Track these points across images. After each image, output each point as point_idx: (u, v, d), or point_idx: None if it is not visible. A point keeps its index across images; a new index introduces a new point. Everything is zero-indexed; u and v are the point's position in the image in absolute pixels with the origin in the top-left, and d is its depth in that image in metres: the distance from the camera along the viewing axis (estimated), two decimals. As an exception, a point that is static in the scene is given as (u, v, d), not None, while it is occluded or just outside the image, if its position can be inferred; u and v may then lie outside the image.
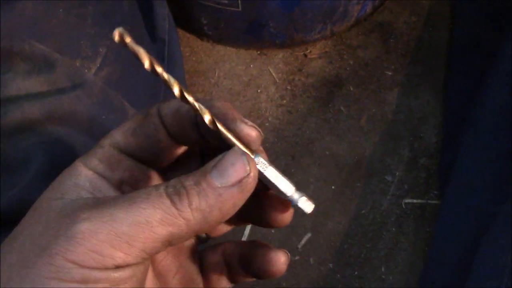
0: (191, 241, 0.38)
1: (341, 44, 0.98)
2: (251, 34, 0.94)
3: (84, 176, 0.32)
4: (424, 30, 0.98)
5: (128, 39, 0.28)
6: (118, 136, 0.34)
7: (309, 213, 0.32)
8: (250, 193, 0.30)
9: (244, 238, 0.82)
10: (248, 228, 0.84)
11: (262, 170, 0.31)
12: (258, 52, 0.97)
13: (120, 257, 0.28)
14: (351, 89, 0.94)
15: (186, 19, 0.96)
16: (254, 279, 0.38)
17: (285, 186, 0.32)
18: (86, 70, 0.62)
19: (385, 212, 0.84)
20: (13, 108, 0.55)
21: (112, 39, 0.72)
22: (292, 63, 0.97)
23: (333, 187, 0.86)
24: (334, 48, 0.97)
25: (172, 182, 0.30)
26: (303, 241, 0.83)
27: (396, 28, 0.99)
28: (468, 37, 0.93)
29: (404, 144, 0.89)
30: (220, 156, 0.30)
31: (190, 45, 0.98)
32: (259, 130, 0.32)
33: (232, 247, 0.38)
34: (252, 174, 0.29)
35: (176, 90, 0.29)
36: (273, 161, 0.86)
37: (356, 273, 0.81)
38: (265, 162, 0.32)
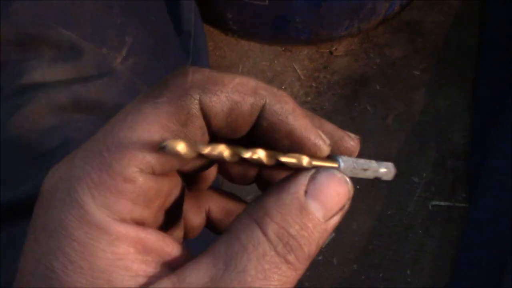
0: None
1: (367, 42, 0.96)
2: (277, 29, 0.93)
3: (122, 244, 0.22)
4: (452, 30, 0.96)
5: (180, 148, 0.21)
6: (149, 157, 0.22)
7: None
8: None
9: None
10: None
11: (354, 174, 0.26)
12: (283, 48, 0.96)
13: None
14: (378, 88, 0.92)
15: (210, 13, 0.95)
16: None
17: (379, 167, 0.28)
18: (112, 59, 0.62)
19: (412, 214, 0.82)
20: (39, 94, 0.55)
21: (138, 30, 0.70)
22: (317, 60, 0.95)
23: (358, 186, 0.84)
24: (360, 46, 0.96)
25: (273, 229, 0.22)
26: (326, 241, 0.81)
27: (424, 27, 0.97)
28: (498, 36, 0.91)
29: (432, 145, 0.87)
30: (308, 177, 0.23)
31: (214, 39, 0.97)
32: (359, 139, 0.27)
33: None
34: (351, 194, 0.24)
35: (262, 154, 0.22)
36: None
37: (381, 275, 0.79)
38: (349, 161, 0.26)
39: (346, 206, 0.24)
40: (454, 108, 0.90)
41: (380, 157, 0.90)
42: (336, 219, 0.23)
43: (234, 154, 0.21)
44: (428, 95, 0.91)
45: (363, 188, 0.84)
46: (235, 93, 0.23)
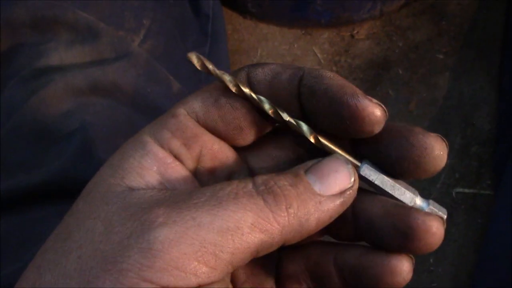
0: None
1: (390, 25, 0.93)
2: (297, 12, 0.91)
3: (152, 155, 0.27)
4: (478, 12, 0.93)
5: (210, 66, 0.27)
6: (197, 104, 0.28)
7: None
8: (348, 206, 0.26)
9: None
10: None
11: (371, 179, 0.27)
12: (303, 32, 0.94)
13: (204, 273, 0.23)
14: (400, 72, 0.89)
15: (229, -5, 0.93)
16: None
17: (407, 195, 0.27)
18: (130, 42, 0.61)
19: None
20: (56, 77, 0.54)
21: (155, 12, 0.69)
22: (338, 43, 0.93)
23: (379, 173, 0.83)
24: (382, 29, 0.93)
25: (261, 179, 0.25)
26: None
27: (448, 10, 0.94)
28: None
29: (456, 131, 0.85)
30: (315, 161, 0.26)
31: (232, 22, 0.95)
32: (385, 109, 0.26)
33: (322, 251, 0.30)
34: (355, 186, 0.26)
35: (266, 107, 0.26)
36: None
37: (403, 263, 0.77)
38: (373, 169, 0.27)
39: (348, 196, 0.25)
40: (479, 93, 0.87)
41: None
42: (335, 202, 0.25)
43: (235, 84, 0.26)
44: (452, 80, 0.88)
45: (385, 174, 0.82)
46: (277, 66, 0.27)
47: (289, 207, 0.24)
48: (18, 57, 0.57)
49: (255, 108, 0.27)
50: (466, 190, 0.81)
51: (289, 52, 0.92)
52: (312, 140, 0.26)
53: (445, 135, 0.84)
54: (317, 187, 0.25)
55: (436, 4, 0.94)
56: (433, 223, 0.27)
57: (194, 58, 0.27)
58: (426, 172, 0.27)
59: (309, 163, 0.26)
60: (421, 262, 0.77)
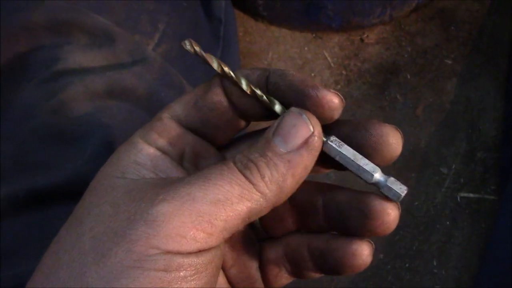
0: (249, 234, 0.36)
1: (399, 30, 0.95)
2: (308, 16, 0.92)
3: (144, 152, 0.31)
4: (487, 18, 0.94)
5: (197, 48, 0.31)
6: (178, 108, 0.32)
7: (399, 200, 0.29)
8: (319, 152, 0.29)
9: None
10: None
11: (337, 148, 0.29)
12: (313, 35, 0.95)
13: (202, 238, 0.26)
14: (408, 77, 0.91)
15: (241, -1, 0.94)
16: (323, 274, 0.34)
17: (370, 165, 0.29)
18: (145, 46, 0.62)
19: (439, 205, 0.82)
20: (75, 80, 0.55)
21: (170, 16, 0.70)
22: (348, 47, 0.94)
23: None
24: (392, 34, 0.94)
25: (239, 156, 0.28)
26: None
27: (457, 16, 0.95)
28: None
29: (462, 136, 0.86)
30: (278, 120, 0.29)
31: (244, 25, 0.97)
32: (342, 98, 0.29)
33: (298, 240, 0.34)
34: (316, 131, 0.28)
35: (214, 64, 0.31)
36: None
37: (407, 265, 0.79)
38: (339, 140, 0.30)
39: (312, 142, 0.28)
40: (486, 99, 0.88)
41: (408, 148, 0.89)
42: (302, 154, 0.28)
43: (219, 64, 0.30)
44: (460, 85, 0.90)
45: (391, 177, 0.84)
46: (247, 69, 0.31)
47: (264, 177, 0.27)
48: (36, 59, 0.58)
49: (236, 88, 0.31)
50: (471, 195, 0.82)
51: (299, 55, 0.94)
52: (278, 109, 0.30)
53: (452, 140, 0.85)
54: (283, 148, 0.28)
55: (445, 10, 0.95)
56: (389, 205, 0.30)
57: (186, 43, 0.31)
58: (383, 158, 0.29)
59: (275, 123, 0.29)
60: (424, 264, 0.79)
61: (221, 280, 0.35)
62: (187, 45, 0.31)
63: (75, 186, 0.51)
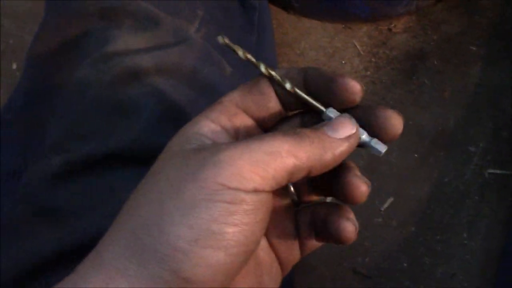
0: (287, 201, 0.41)
1: (425, 19, 1.00)
2: (337, 7, 0.97)
3: (206, 126, 0.36)
4: (508, 5, 0.99)
5: (227, 41, 0.37)
6: (236, 94, 0.38)
7: (381, 155, 0.36)
8: (354, 148, 0.35)
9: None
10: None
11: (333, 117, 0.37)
12: (343, 26, 1.01)
13: (258, 180, 0.31)
14: (435, 62, 0.96)
15: (274, -8, 1.00)
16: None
17: (359, 129, 0.36)
18: (187, 29, 0.66)
19: (468, 181, 0.86)
20: (125, 59, 0.59)
21: (206, 4, 0.74)
22: (376, 36, 0.99)
23: (416, 155, 0.89)
24: (418, 23, 0.99)
25: (290, 130, 0.35)
26: (386, 205, 0.86)
27: (480, 4, 1.00)
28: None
29: (487, 117, 0.91)
30: (332, 120, 0.36)
31: (276, 17, 1.02)
32: (362, 86, 0.37)
33: (325, 208, 0.40)
34: (357, 133, 0.35)
35: (262, 68, 0.37)
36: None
37: (438, 237, 0.83)
38: (335, 111, 0.37)
39: (353, 139, 0.35)
40: (508, 81, 0.93)
41: (437, 128, 0.95)
42: (344, 143, 0.34)
43: (266, 68, 0.37)
44: (484, 69, 0.94)
45: (420, 156, 0.89)
46: (286, 69, 0.38)
47: (312, 143, 0.33)
48: (88, 43, 0.61)
49: (277, 86, 0.38)
50: (498, 171, 0.87)
51: (330, 44, 0.99)
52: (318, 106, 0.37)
53: (478, 120, 0.90)
54: (330, 133, 0.34)
55: (469, -1, 1.00)
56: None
57: (220, 39, 0.37)
58: (388, 135, 0.36)
59: (324, 122, 0.36)
60: (454, 236, 0.83)
61: (264, 243, 0.40)
62: (240, 54, 0.37)
63: (133, 151, 0.55)
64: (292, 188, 0.41)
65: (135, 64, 0.59)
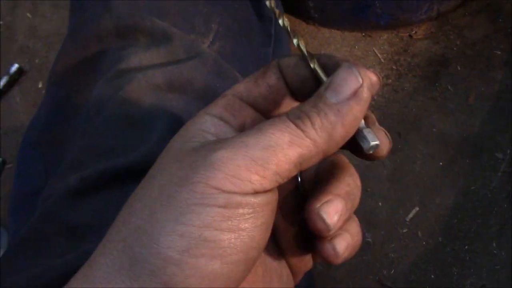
0: (295, 200, 0.38)
1: (447, 25, 0.98)
2: (357, 15, 0.97)
3: (208, 122, 0.34)
4: (534, 9, 0.97)
5: (273, 4, 0.36)
6: (240, 87, 0.35)
7: (370, 151, 0.32)
8: (368, 103, 0.30)
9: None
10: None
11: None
12: (363, 34, 1.00)
13: (256, 180, 0.29)
14: (459, 68, 0.94)
15: (292, 3, 1.00)
16: None
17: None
18: (200, 44, 0.66)
19: (496, 189, 0.84)
20: (138, 76, 0.59)
21: (222, 17, 0.74)
22: (397, 44, 0.98)
23: (440, 163, 0.87)
24: (440, 29, 0.98)
25: (291, 110, 0.31)
26: (410, 215, 0.84)
27: (504, 8, 0.97)
28: None
29: (514, 122, 0.88)
30: (330, 77, 0.31)
31: (295, 28, 1.02)
32: (380, 77, 0.33)
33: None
34: (365, 83, 0.30)
35: (295, 40, 0.34)
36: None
37: (466, 247, 0.81)
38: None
39: (362, 93, 0.30)
40: (538, 86, 0.90)
41: (462, 135, 0.93)
42: (351, 103, 0.30)
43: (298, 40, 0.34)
44: (509, 73, 0.92)
45: (445, 164, 0.87)
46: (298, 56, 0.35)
47: (314, 124, 0.30)
48: (104, 61, 0.63)
49: (297, 67, 0.34)
50: (527, 178, 0.84)
51: (350, 53, 0.98)
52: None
53: (505, 126, 0.87)
54: (334, 99, 0.30)
55: (492, 2, 0.98)
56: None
57: (267, 3, 0.35)
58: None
59: (327, 81, 0.31)
60: (483, 246, 0.81)
61: (272, 249, 0.38)
62: (280, 22, 0.35)
63: (146, 166, 0.56)
64: (299, 179, 0.38)
65: (148, 79, 0.59)
